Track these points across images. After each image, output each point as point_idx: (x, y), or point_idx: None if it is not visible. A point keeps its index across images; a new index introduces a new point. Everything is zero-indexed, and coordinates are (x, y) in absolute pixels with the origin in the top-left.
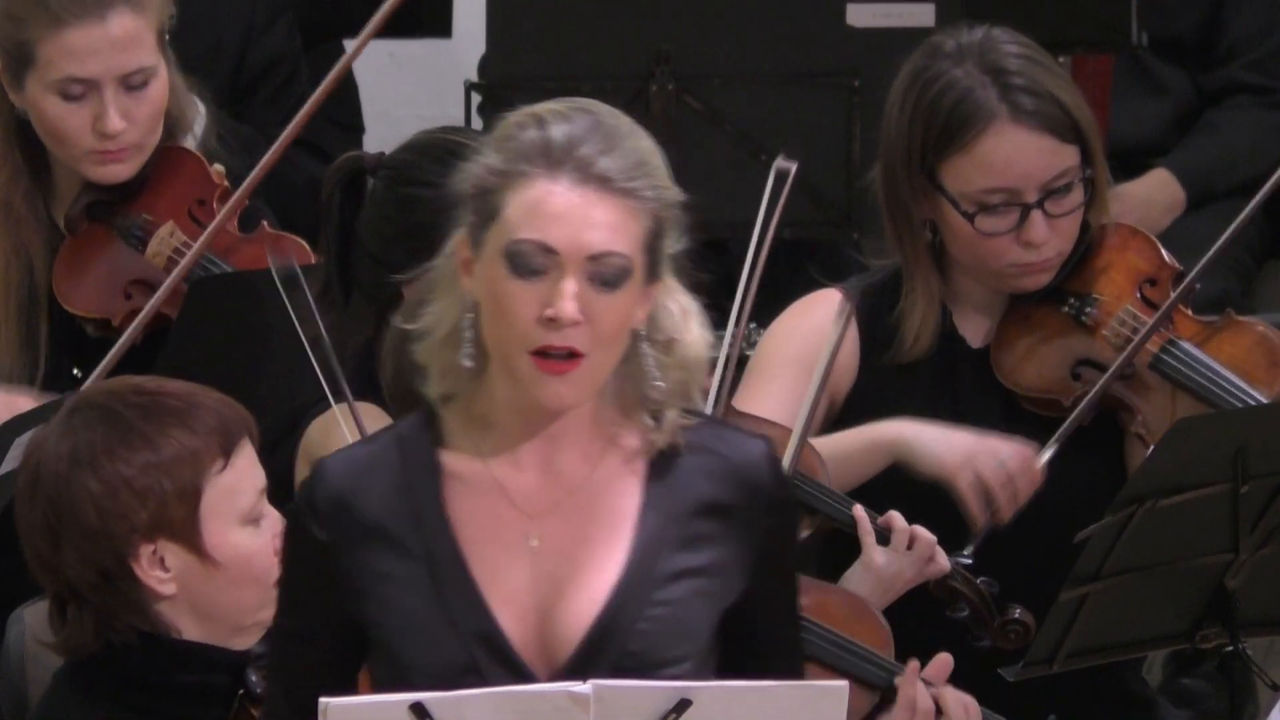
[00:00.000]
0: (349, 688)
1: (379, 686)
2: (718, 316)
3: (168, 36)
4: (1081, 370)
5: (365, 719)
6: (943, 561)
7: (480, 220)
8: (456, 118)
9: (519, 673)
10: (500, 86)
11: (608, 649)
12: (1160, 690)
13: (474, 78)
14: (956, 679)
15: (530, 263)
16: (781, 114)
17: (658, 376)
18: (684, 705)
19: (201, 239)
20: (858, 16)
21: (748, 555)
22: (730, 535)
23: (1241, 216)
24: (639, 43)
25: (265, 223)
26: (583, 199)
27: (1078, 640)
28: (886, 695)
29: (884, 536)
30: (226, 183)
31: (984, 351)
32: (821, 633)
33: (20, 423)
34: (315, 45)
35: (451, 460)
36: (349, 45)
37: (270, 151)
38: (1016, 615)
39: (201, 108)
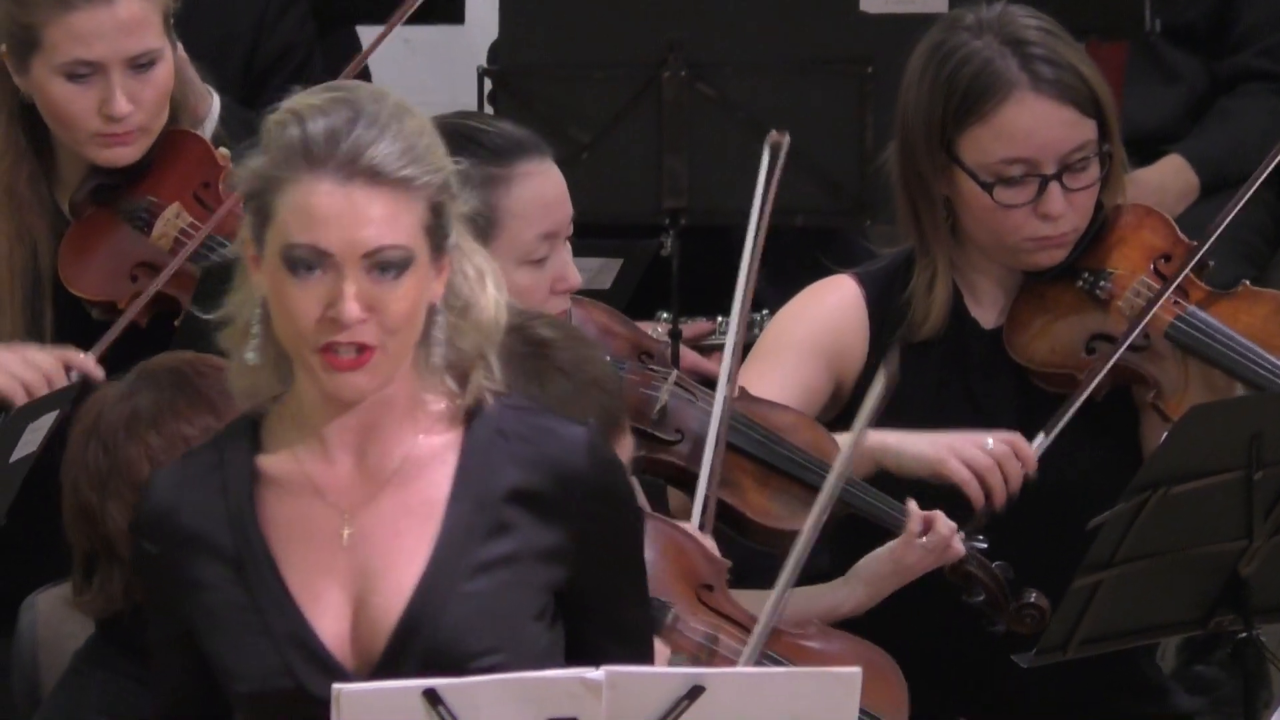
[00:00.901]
0: (215, 696)
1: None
2: (726, 303)
3: (173, 20)
4: (1096, 345)
5: (377, 704)
6: (959, 547)
7: (258, 221)
8: (469, 104)
9: (333, 672)
10: (512, 73)
11: (415, 643)
12: (1174, 677)
13: (486, 64)
14: (971, 664)
15: (305, 264)
16: (794, 101)
17: (455, 341)
18: (697, 691)
19: (210, 221)
20: (871, 3)
21: (565, 543)
22: (541, 523)
23: (1256, 180)
24: (651, 30)
25: None
26: (349, 196)
27: (1091, 627)
28: None
29: (898, 523)
30: (232, 165)
31: (996, 333)
32: None
33: (33, 409)
34: (328, 32)
35: (268, 463)
36: (361, 31)
37: None
38: (1032, 600)
39: (214, 97)
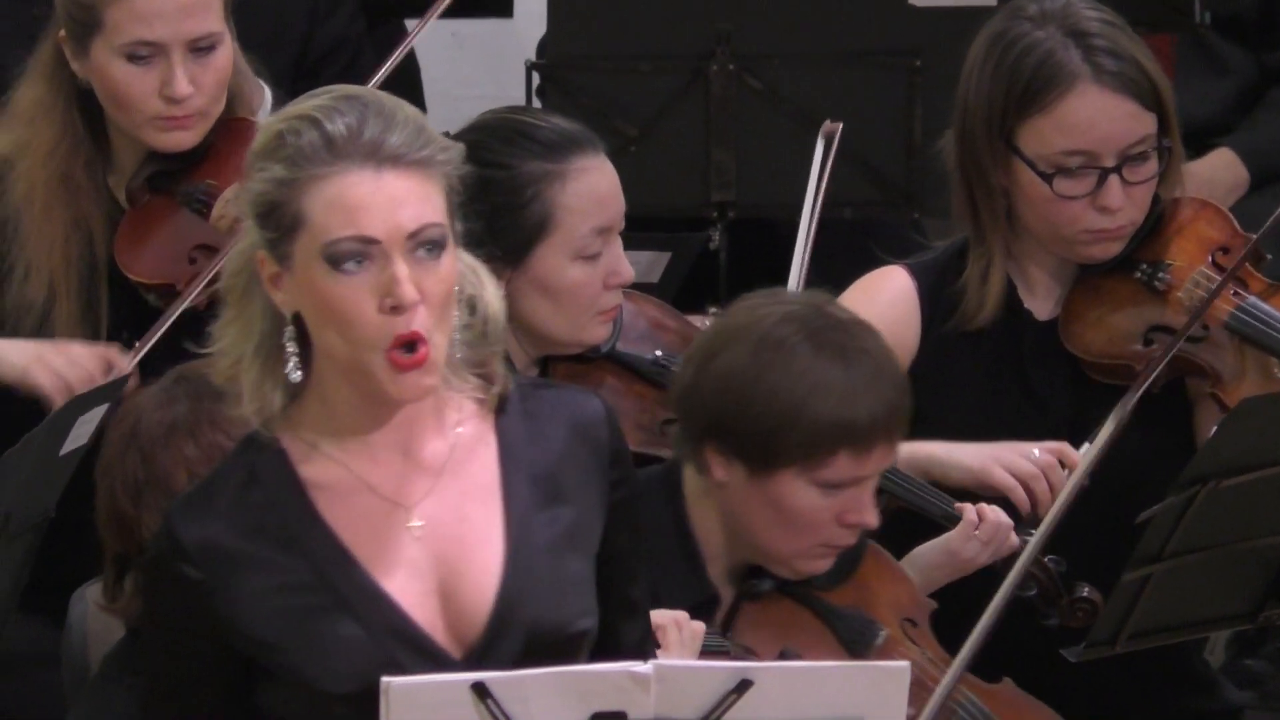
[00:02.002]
0: None
1: (280, 714)
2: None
3: (231, 9)
4: (1154, 336)
5: (427, 700)
6: (1014, 540)
7: (280, 234)
8: (517, 98)
9: (438, 659)
10: (560, 67)
11: (514, 620)
12: (1222, 671)
13: (534, 58)
14: (1022, 658)
15: (354, 258)
16: (842, 94)
17: (465, 335)
18: (745, 685)
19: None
20: None
21: (601, 508)
22: (583, 487)
23: None
24: (699, 22)
25: None
26: (382, 182)
27: (1140, 621)
28: None
29: (953, 518)
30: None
31: (1050, 324)
32: None
33: (83, 401)
34: (376, 26)
35: (310, 471)
36: (410, 25)
37: None
38: (1085, 594)
39: (267, 91)
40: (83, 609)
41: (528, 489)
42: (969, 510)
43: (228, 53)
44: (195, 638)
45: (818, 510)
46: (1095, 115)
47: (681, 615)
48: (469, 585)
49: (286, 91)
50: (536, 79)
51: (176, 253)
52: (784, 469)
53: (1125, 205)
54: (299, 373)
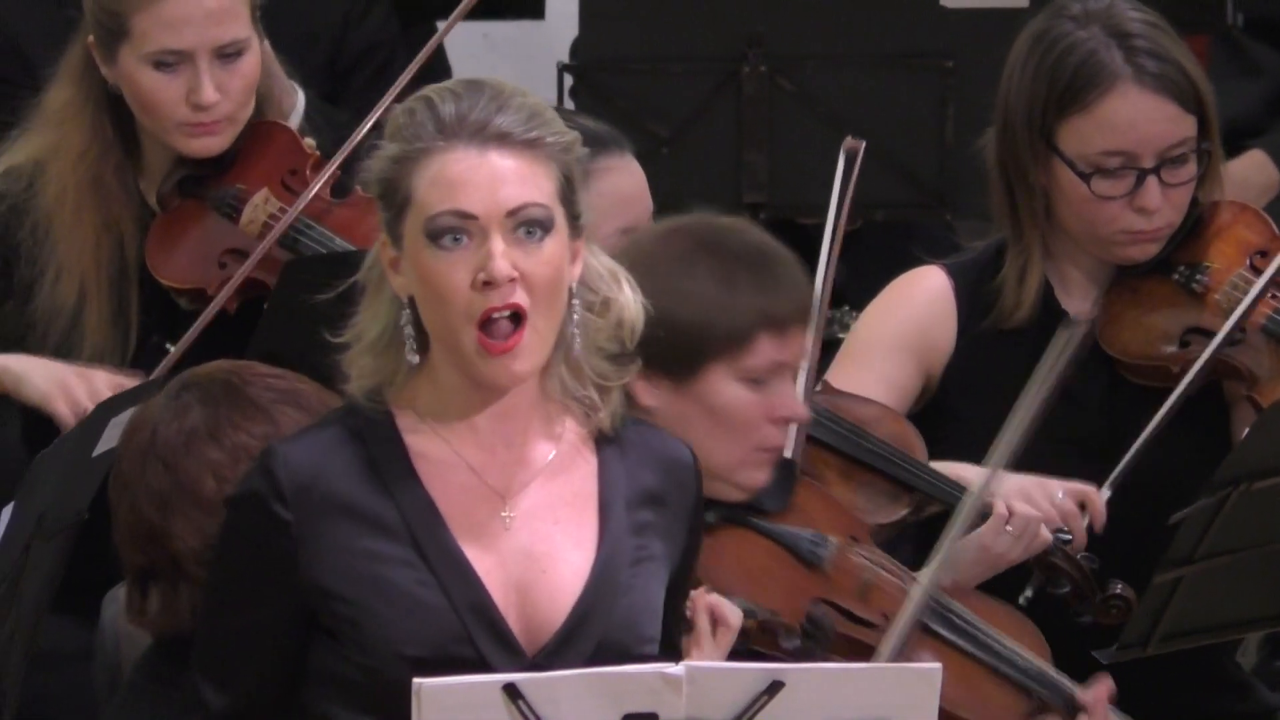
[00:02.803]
0: (290, 685)
1: (330, 678)
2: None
3: (259, 14)
4: (1191, 338)
5: (458, 701)
6: (1046, 535)
7: (394, 214)
8: (549, 100)
9: (509, 646)
10: (592, 68)
11: (589, 630)
12: (1254, 673)
13: (566, 59)
14: (1054, 658)
15: (452, 232)
16: (874, 96)
17: (594, 341)
18: (776, 687)
19: (297, 203)
20: None
21: (677, 547)
22: (665, 525)
23: None
24: (731, 25)
25: (358, 188)
26: (485, 159)
27: (1173, 623)
28: (1042, 704)
29: (984, 514)
30: (319, 154)
31: (1087, 325)
32: (998, 646)
33: (116, 403)
34: (409, 28)
35: (416, 443)
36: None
37: (362, 125)
38: (1118, 591)
39: (300, 93)
40: (115, 609)
41: (621, 509)
42: (999, 504)
43: (255, 58)
44: (269, 580)
45: (747, 407)
46: (1135, 116)
47: (715, 600)
48: (550, 586)
49: (320, 94)
50: (568, 81)
51: (207, 257)
52: (709, 368)
53: (1163, 207)
54: (416, 356)
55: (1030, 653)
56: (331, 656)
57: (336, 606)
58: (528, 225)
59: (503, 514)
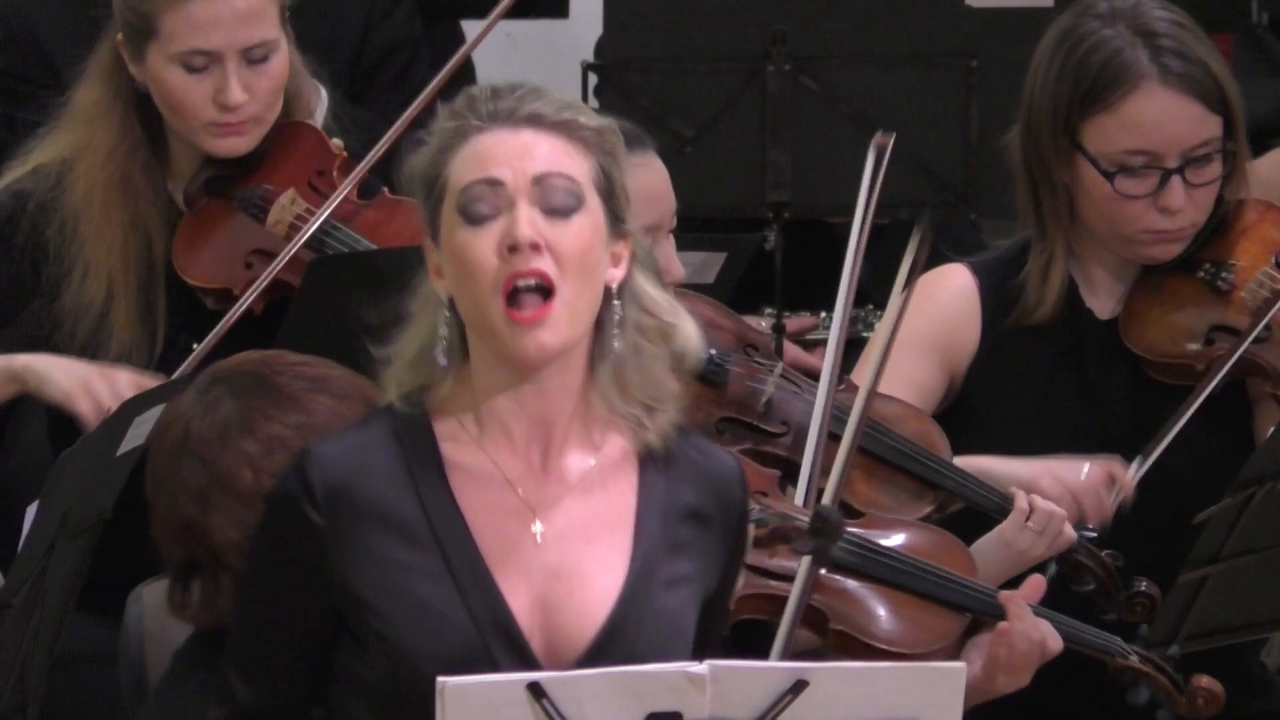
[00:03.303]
0: (316, 682)
1: (354, 679)
2: (830, 298)
3: (288, 13)
4: (1215, 336)
5: (482, 699)
6: (1069, 533)
7: (433, 205)
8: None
9: (530, 666)
10: (616, 67)
11: (615, 651)
12: (1279, 673)
13: (590, 58)
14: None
15: (481, 204)
16: (898, 95)
17: (649, 368)
18: (800, 686)
19: (324, 207)
20: None
21: (718, 565)
22: (707, 543)
23: None
24: (755, 23)
25: (385, 189)
26: (517, 134)
27: (1197, 622)
28: (977, 620)
29: (1005, 511)
30: (345, 154)
31: (1110, 323)
32: (913, 565)
33: (140, 402)
34: (432, 27)
35: (452, 451)
36: (466, 25)
37: (393, 129)
38: (1143, 588)
39: (323, 92)
40: (139, 608)
41: (658, 527)
42: (1019, 498)
43: (283, 59)
44: (298, 582)
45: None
46: (1160, 115)
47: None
48: (578, 605)
49: (344, 94)
50: (593, 79)
51: (233, 257)
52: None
53: (1186, 207)
54: (444, 358)
55: (954, 569)
56: (356, 659)
57: (362, 613)
58: (554, 197)
59: (534, 529)
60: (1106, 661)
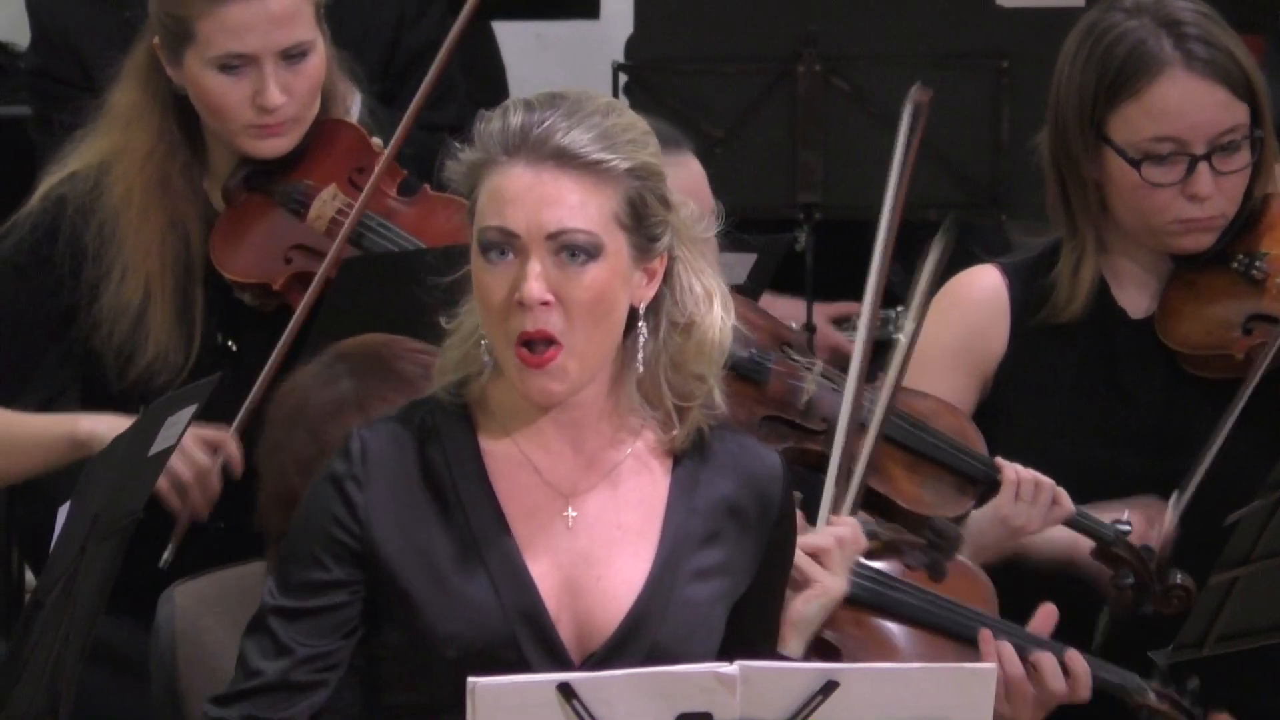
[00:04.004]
0: (346, 652)
1: (381, 659)
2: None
3: (323, 11)
4: (1253, 325)
5: (512, 699)
6: (1067, 505)
7: (470, 217)
8: None
9: (555, 653)
10: (646, 68)
11: (640, 639)
12: None
13: (621, 59)
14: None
15: (496, 249)
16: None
17: (677, 362)
18: (831, 687)
19: (362, 197)
20: None
21: (755, 560)
22: (743, 537)
23: None
24: (785, 24)
25: (426, 186)
26: (539, 179)
27: (1228, 624)
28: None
29: (993, 477)
30: (386, 151)
31: (1143, 322)
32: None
33: (171, 402)
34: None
35: (485, 440)
36: (496, 26)
37: (406, 115)
38: (1178, 580)
39: (357, 94)
40: (170, 609)
41: (689, 517)
42: (1007, 469)
43: (320, 58)
44: (335, 556)
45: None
46: (1184, 101)
47: (843, 530)
48: (604, 591)
49: (374, 95)
50: (623, 80)
51: (272, 252)
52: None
53: (1215, 194)
54: (488, 357)
55: (969, 602)
56: (389, 640)
57: (395, 595)
58: (570, 250)
59: (565, 514)
60: (1125, 699)
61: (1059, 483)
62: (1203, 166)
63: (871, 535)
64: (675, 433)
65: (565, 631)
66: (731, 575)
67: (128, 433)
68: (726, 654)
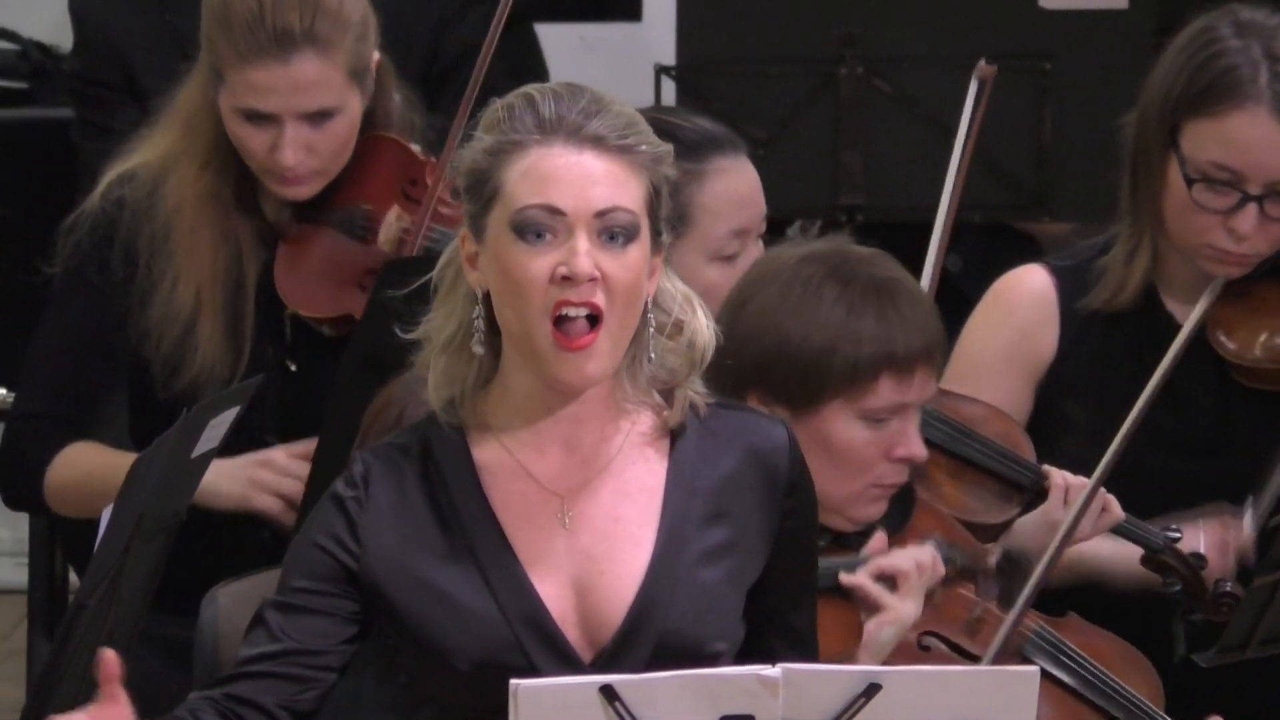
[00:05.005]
0: (336, 658)
1: (393, 676)
2: None
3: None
4: None
5: (554, 700)
6: (1116, 511)
7: (480, 207)
8: (646, 101)
9: (564, 655)
10: (689, 70)
11: (647, 629)
12: None
13: (664, 61)
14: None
15: (538, 227)
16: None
17: (666, 358)
18: (874, 690)
19: (422, 210)
20: None
21: (768, 535)
22: (752, 513)
23: None
24: (828, 26)
25: None
26: (581, 158)
27: (1271, 626)
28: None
29: (1039, 484)
30: (431, 158)
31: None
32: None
33: (215, 404)
34: (505, 30)
35: (479, 453)
36: (539, 28)
37: (455, 122)
38: (1228, 588)
39: (397, 97)
40: (214, 610)
41: (689, 501)
42: (1055, 476)
43: (348, 120)
44: (333, 571)
45: (866, 445)
46: (1257, 141)
47: (924, 556)
48: (608, 584)
49: (417, 96)
50: (665, 82)
51: (345, 282)
52: (828, 403)
53: (1255, 236)
54: (480, 348)
55: (1137, 691)
56: (402, 659)
57: (393, 612)
58: (613, 229)
59: (561, 516)
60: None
61: (1111, 487)
62: (1252, 207)
63: (948, 561)
64: (667, 414)
65: (573, 631)
66: (742, 552)
67: (171, 434)
68: (757, 631)
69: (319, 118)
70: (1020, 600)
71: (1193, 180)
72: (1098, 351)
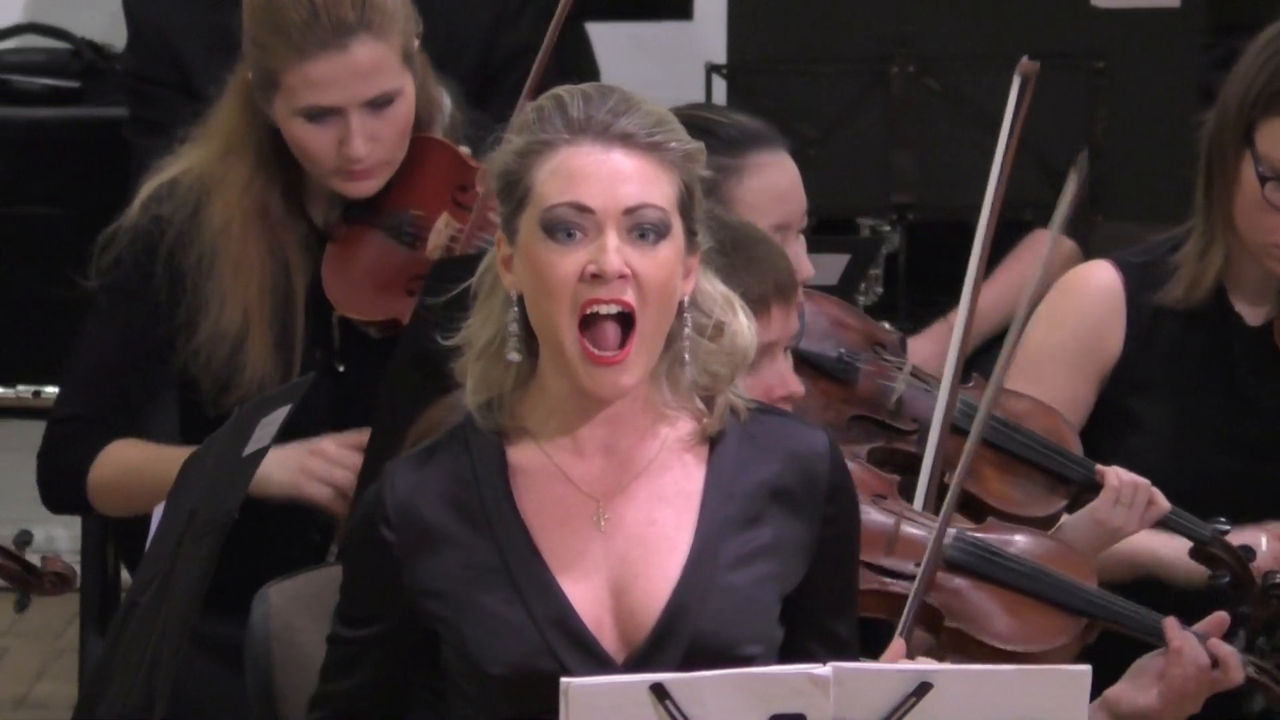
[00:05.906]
0: (411, 686)
1: (451, 683)
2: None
3: (417, 42)
4: None
5: (606, 699)
6: (1162, 504)
7: (511, 209)
8: (697, 100)
9: (595, 657)
10: (740, 69)
11: (680, 631)
12: None
13: (714, 60)
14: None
15: (568, 226)
16: None
17: (705, 364)
18: (925, 689)
19: (471, 217)
20: None
21: (809, 541)
22: (791, 518)
23: None
24: (879, 25)
25: None
26: (609, 156)
27: None
28: (1092, 624)
29: (1096, 486)
30: (480, 163)
31: (1262, 330)
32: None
33: (265, 403)
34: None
35: (515, 455)
36: (591, 27)
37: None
38: (1277, 580)
39: (446, 100)
40: (265, 609)
41: (726, 505)
42: (1109, 475)
43: (408, 104)
44: (381, 597)
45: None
46: None
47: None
48: (643, 587)
49: (468, 95)
50: (716, 81)
51: (393, 286)
52: None
53: None
54: (516, 354)
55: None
56: (444, 658)
57: (439, 624)
58: (643, 227)
59: (597, 519)
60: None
61: (1175, 490)
62: None
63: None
64: (706, 420)
65: (607, 635)
66: (780, 557)
67: (222, 433)
68: (797, 637)
69: (380, 104)
70: (944, 508)
71: (1266, 179)
72: (1168, 351)
